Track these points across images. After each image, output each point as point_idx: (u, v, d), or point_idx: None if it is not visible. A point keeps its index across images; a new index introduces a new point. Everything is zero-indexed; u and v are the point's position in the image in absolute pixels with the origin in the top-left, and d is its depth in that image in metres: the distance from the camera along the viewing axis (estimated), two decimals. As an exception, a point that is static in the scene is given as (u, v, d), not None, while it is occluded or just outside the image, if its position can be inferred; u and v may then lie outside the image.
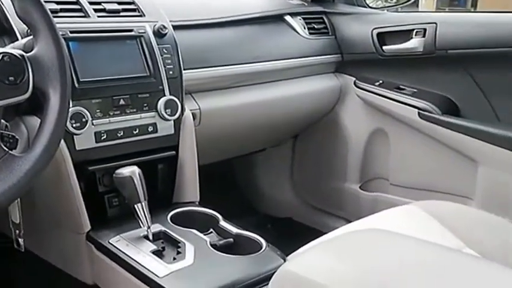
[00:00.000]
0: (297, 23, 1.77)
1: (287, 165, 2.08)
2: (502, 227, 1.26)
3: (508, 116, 1.52)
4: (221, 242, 1.13)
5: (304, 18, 1.79)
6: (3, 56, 0.86)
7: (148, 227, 1.10)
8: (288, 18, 1.76)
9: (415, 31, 1.63)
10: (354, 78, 1.80)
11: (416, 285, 0.68)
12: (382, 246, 0.81)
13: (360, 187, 1.86)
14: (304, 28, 1.77)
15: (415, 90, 1.66)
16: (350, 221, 1.20)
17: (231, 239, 1.15)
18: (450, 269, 0.73)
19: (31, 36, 0.94)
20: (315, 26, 1.80)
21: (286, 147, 2.05)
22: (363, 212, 1.29)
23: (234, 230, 1.17)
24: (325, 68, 1.82)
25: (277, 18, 1.75)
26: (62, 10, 1.17)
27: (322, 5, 1.88)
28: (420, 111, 1.61)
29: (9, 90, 0.86)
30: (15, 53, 0.87)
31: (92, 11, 1.22)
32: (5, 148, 0.87)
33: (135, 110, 1.19)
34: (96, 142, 1.13)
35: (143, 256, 1.04)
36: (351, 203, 1.88)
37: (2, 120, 0.92)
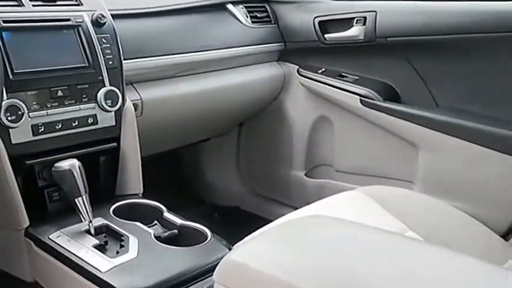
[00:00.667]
0: (239, 11, 1.76)
1: (233, 154, 2.08)
2: (442, 209, 1.30)
3: (446, 101, 1.56)
4: (165, 233, 1.12)
5: (246, 7, 1.78)
6: None
7: (90, 221, 1.08)
8: (230, 6, 1.75)
9: (355, 19, 1.64)
10: (297, 67, 1.81)
11: (361, 270, 0.69)
12: (326, 233, 0.81)
13: (305, 174, 1.88)
14: (247, 17, 1.77)
15: (357, 77, 1.68)
16: (297, 208, 1.21)
17: (176, 231, 1.14)
18: (393, 253, 0.74)
19: None
20: (258, 15, 1.80)
21: (232, 136, 2.05)
22: (309, 199, 1.30)
23: (178, 221, 1.16)
24: (269, 57, 1.82)
25: (219, 7, 1.73)
26: None
27: (264, -7, 1.88)
28: (362, 98, 1.63)
29: None
30: None
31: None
32: None
33: (74, 102, 1.16)
34: (34, 135, 1.10)
35: (85, 251, 1.02)
36: (297, 190, 1.89)
37: None
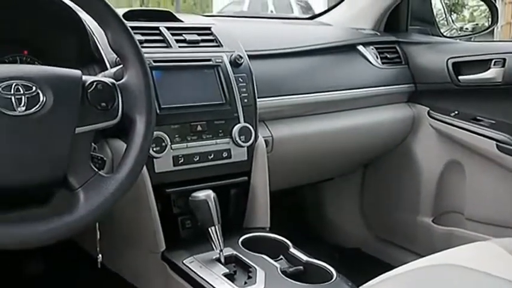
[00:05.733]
0: (369, 52, 1.76)
1: (356, 195, 2.06)
2: None
3: None
4: (291, 269, 1.13)
5: (376, 48, 1.79)
6: (96, 84, 0.92)
7: (221, 250, 1.11)
8: (360, 47, 1.76)
9: (493, 61, 1.59)
10: (428, 108, 1.77)
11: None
12: (458, 284, 0.78)
13: (432, 220, 1.81)
14: (377, 58, 1.77)
15: (493, 121, 1.62)
16: (421, 256, 1.17)
17: (301, 267, 1.14)
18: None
19: (120, 66, 0.99)
20: (388, 56, 1.80)
21: (356, 177, 2.03)
22: (436, 247, 1.24)
23: (304, 257, 1.17)
24: (398, 98, 1.81)
25: (349, 48, 1.75)
26: (146, 41, 1.23)
27: (395, 34, 1.88)
28: (499, 144, 1.56)
29: (101, 116, 0.92)
30: (107, 82, 0.94)
31: (174, 41, 1.27)
32: (94, 168, 0.92)
33: (211, 136, 1.23)
34: (174, 166, 1.18)
35: (215, 278, 1.06)
36: (422, 236, 1.83)
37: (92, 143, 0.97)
